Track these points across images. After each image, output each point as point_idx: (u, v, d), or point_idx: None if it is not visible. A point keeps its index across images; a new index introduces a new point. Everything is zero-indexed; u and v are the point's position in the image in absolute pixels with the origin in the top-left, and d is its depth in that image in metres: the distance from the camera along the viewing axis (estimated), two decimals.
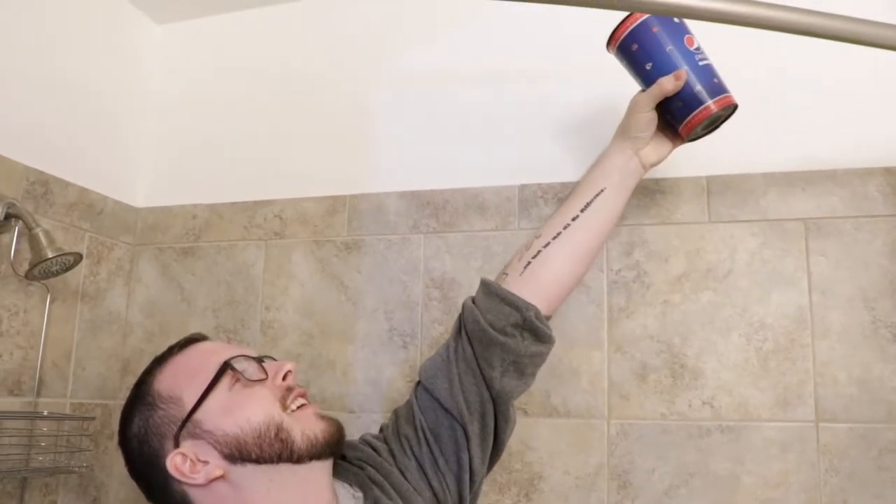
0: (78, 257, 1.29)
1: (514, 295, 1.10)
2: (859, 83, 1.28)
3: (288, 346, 1.46)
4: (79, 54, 1.49)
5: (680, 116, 1.09)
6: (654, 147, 1.14)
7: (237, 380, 1.00)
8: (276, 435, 0.96)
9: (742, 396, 1.24)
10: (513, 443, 1.31)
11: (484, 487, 1.31)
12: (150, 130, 1.66)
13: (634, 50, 1.10)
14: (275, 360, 1.07)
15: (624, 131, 1.14)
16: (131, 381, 1.51)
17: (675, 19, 1.09)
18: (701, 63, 1.08)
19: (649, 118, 1.10)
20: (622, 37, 1.10)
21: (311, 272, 1.48)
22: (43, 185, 1.37)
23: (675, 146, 1.16)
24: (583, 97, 1.39)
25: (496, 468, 1.30)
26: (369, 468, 1.08)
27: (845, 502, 1.18)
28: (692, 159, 1.31)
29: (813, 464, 1.20)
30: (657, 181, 1.33)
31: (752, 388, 1.24)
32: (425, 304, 1.39)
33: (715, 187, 1.31)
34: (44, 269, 1.26)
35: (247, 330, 1.49)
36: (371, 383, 1.41)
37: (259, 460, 0.95)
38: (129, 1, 1.61)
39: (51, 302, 1.36)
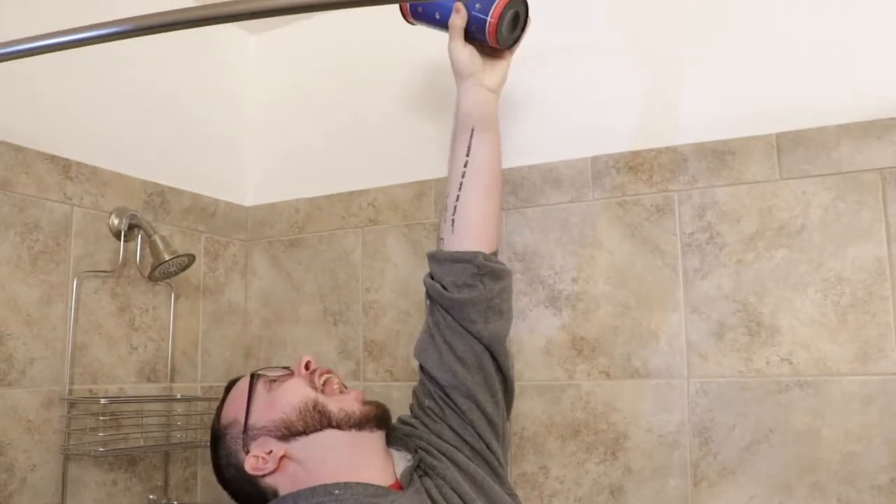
0: (192, 258, 1.44)
1: (457, 252, 1.21)
2: None
3: (388, 323, 1.58)
4: (182, 73, 1.64)
5: (482, 35, 1.19)
6: (490, 71, 1.24)
7: (269, 383, 1.18)
8: (314, 408, 1.13)
9: (820, 351, 1.25)
10: (597, 405, 1.38)
11: (571, 447, 1.38)
12: (252, 135, 1.81)
13: (421, 11, 1.23)
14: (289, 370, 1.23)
15: (458, 75, 1.24)
16: (254, 364, 1.69)
17: None
18: None
19: (468, 54, 1.21)
20: (406, 7, 1.24)
21: (405, 254, 1.58)
22: (159, 196, 1.54)
23: (507, 60, 1.26)
24: (647, 67, 1.42)
25: (583, 430, 1.38)
26: (413, 439, 1.21)
27: None
28: (761, 117, 1.32)
29: None
30: (725, 142, 1.34)
31: (830, 342, 1.25)
32: None
33: (785, 144, 1.30)
34: (163, 270, 1.42)
35: (351, 312, 1.61)
36: None
37: (306, 431, 1.12)
38: None
39: (175, 299, 1.54)
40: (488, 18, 1.16)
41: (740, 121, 1.34)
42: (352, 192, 1.65)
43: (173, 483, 1.52)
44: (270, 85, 1.81)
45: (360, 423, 1.13)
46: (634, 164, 1.40)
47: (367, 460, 1.14)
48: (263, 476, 1.13)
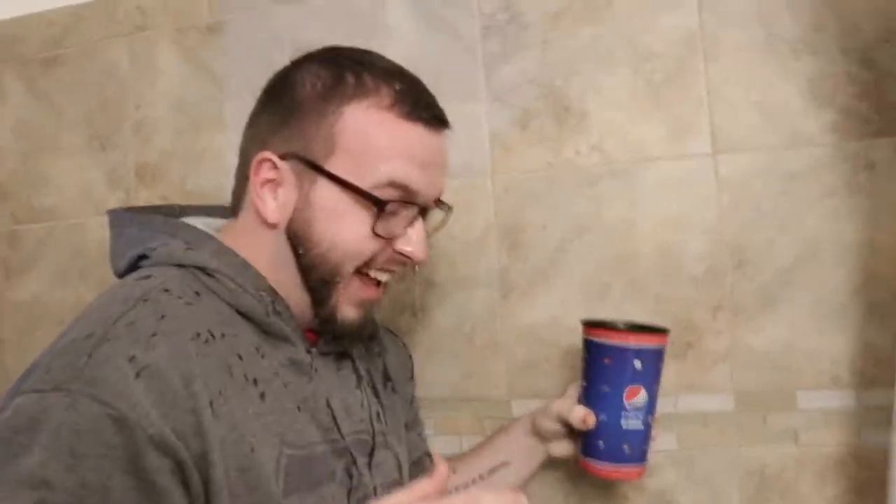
0: None
1: None
2: None
3: (161, 143, 1.36)
4: None
5: (580, 451, 1.01)
6: (563, 446, 1.05)
7: (375, 218, 0.80)
8: (328, 277, 0.82)
9: (633, 135, 1.12)
10: None
11: None
12: None
13: (586, 357, 1.00)
14: (448, 210, 0.95)
15: (534, 421, 1.05)
16: (11, 206, 1.45)
17: (638, 365, 0.96)
18: (624, 424, 0.97)
19: (556, 430, 1.03)
20: (589, 338, 1.00)
21: (178, 63, 1.36)
22: None
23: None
24: None
25: None
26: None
27: (749, 236, 1.08)
28: None
29: (713, 199, 1.09)
30: None
31: (643, 124, 1.12)
32: None
33: None
34: None
35: (119, 133, 1.39)
36: None
37: (298, 266, 0.82)
38: None
39: None
40: (591, 464, 0.99)
41: None
42: None
43: None
44: None
45: (320, 330, 0.86)
46: None
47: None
48: (246, 178, 0.83)
